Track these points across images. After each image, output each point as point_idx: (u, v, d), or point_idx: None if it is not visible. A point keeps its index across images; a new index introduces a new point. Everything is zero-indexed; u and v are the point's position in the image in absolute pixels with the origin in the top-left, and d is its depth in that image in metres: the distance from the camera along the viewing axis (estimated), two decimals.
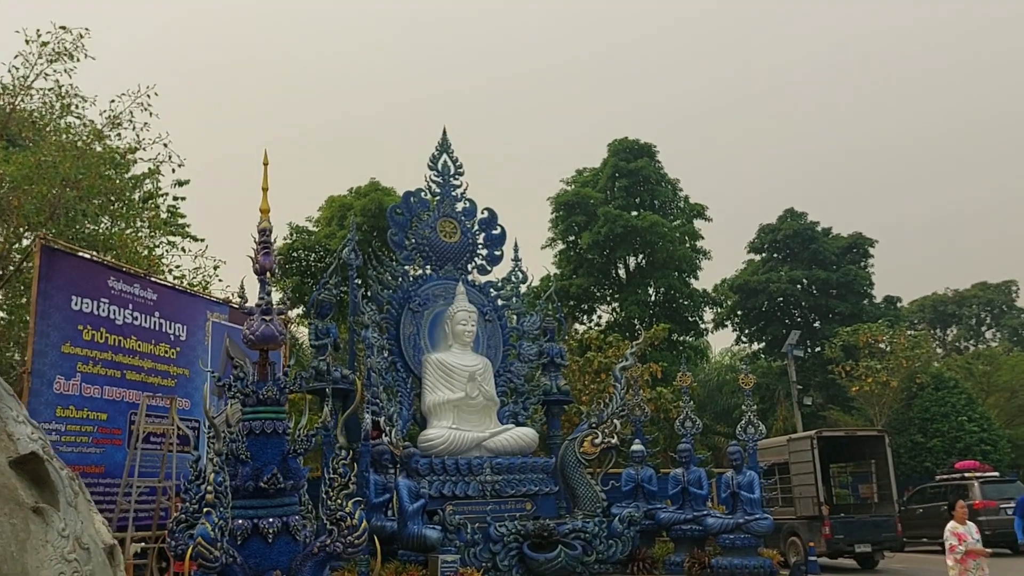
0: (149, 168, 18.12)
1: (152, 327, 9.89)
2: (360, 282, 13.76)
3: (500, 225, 15.37)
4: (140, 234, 17.90)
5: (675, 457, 13.30)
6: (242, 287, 5.59)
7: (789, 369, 27.27)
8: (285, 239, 20.63)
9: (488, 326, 14.51)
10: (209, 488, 4.53)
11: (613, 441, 13.00)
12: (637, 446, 13.46)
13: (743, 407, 12.66)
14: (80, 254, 9.62)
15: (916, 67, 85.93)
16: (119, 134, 12.74)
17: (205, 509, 4.58)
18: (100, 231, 11.39)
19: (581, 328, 24.57)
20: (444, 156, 15.20)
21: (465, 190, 15.14)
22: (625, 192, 30.01)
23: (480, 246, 15.03)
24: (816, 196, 74.02)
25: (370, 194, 19.81)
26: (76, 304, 9.16)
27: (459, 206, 14.98)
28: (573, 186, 31.18)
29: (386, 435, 10.55)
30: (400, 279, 13.74)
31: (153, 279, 9.95)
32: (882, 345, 27.03)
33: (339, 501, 4.82)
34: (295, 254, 19.86)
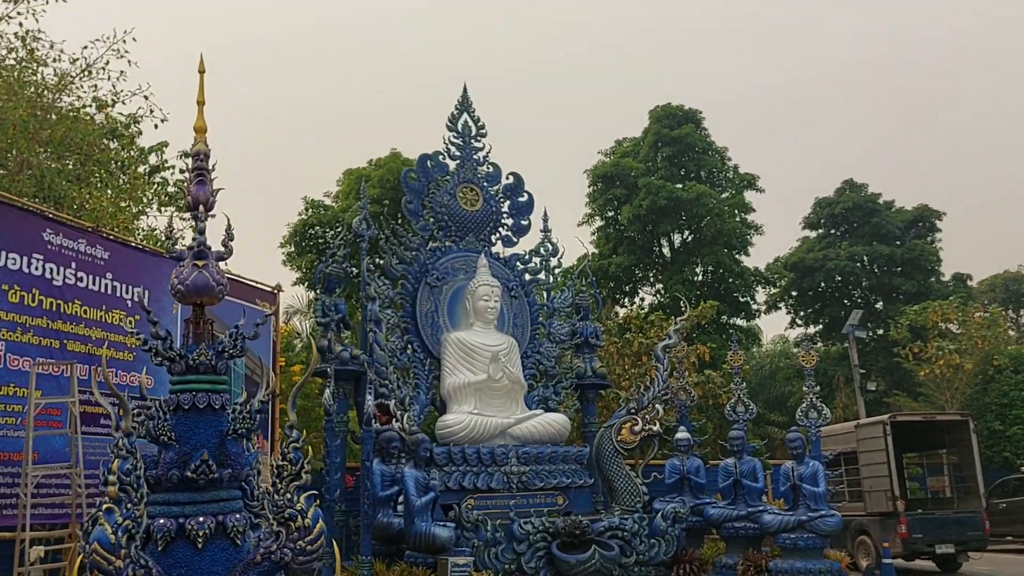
0: (158, 143, 17.52)
1: (102, 290, 8.73)
2: (372, 256, 12.87)
3: (527, 192, 14.35)
4: (147, 211, 17.27)
5: (726, 446, 12.19)
6: (170, 225, 4.64)
7: (851, 352, 25.80)
8: (300, 215, 19.90)
9: (514, 303, 13.53)
10: (112, 479, 3.60)
11: (655, 428, 11.95)
12: (682, 433, 12.37)
13: (804, 388, 11.50)
14: (4, 199, 8.49)
15: (989, 40, 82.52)
16: (95, 85, 11.95)
17: (104, 506, 3.65)
18: (93, 202, 10.61)
19: (622, 311, 23.40)
20: (464, 115, 14.21)
21: (488, 153, 14.16)
22: (668, 162, 28.71)
23: (505, 215, 14.04)
24: (877, 167, 71.49)
25: (389, 165, 18.93)
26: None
27: (481, 171, 14.00)
28: (612, 157, 29.93)
29: (396, 420, 9.62)
30: (416, 251, 12.80)
31: (104, 234, 8.86)
32: (952, 326, 25.45)
33: (289, 495, 3.85)
34: (311, 230, 19.11)
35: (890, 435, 12.24)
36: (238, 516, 3.91)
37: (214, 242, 4.36)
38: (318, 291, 11.72)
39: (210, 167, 4.37)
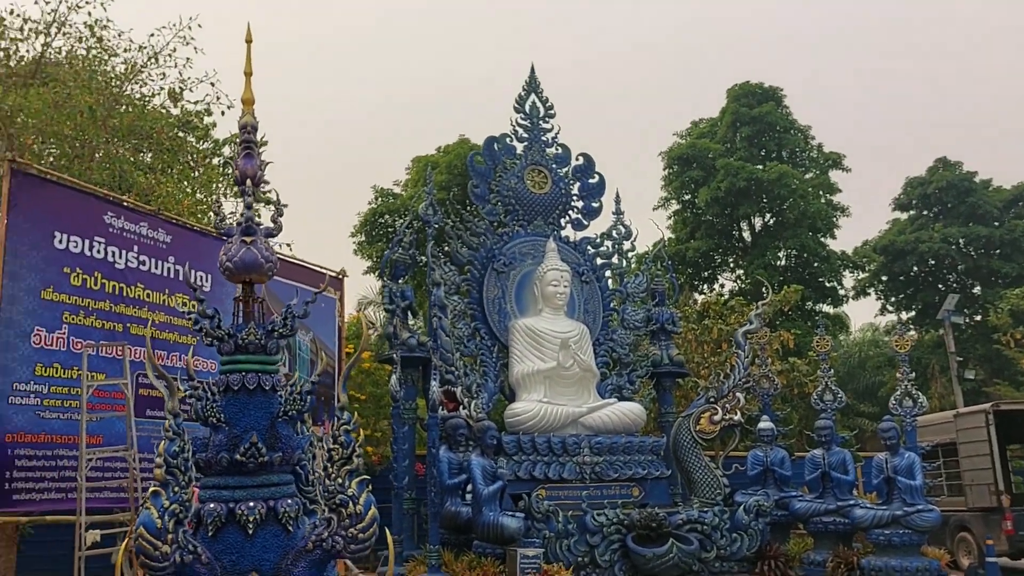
0: (230, 135, 17.82)
1: (165, 273, 8.78)
2: (439, 243, 12.79)
3: (598, 173, 14.03)
4: (221, 200, 17.59)
5: (812, 437, 11.67)
6: (218, 202, 4.52)
7: (946, 339, 24.64)
8: (369, 203, 19.99)
9: (585, 288, 13.26)
10: (159, 461, 3.51)
11: (736, 418, 11.52)
12: (765, 423, 11.90)
13: (898, 375, 10.89)
14: (65, 182, 8.48)
15: None
16: (163, 73, 12.12)
17: (151, 490, 3.56)
18: (162, 190, 10.79)
19: (700, 298, 22.80)
20: (532, 96, 13.98)
21: (557, 134, 13.90)
22: (748, 142, 27.87)
23: (574, 197, 13.77)
24: (973, 144, 68.10)
25: (456, 151, 18.83)
26: (60, 242, 8.00)
27: (550, 152, 13.75)
28: (688, 139, 29.24)
29: (464, 407, 9.50)
30: (483, 236, 12.65)
31: (166, 217, 8.93)
32: None
33: (340, 480, 3.70)
34: (381, 219, 19.19)
35: (993, 425, 11.51)
36: (290, 501, 3.78)
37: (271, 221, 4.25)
38: (385, 278, 11.67)
39: (258, 140, 4.24)
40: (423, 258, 11.78)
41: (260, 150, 4.24)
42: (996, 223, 32.36)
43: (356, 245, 19.59)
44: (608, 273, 13.83)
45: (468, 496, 8.89)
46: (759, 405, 13.02)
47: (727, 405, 11.53)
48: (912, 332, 32.51)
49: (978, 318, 32.06)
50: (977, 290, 33.00)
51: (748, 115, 27.63)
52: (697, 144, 28.00)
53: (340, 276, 10.34)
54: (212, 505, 3.68)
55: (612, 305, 13.61)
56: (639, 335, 13.59)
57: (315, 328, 10.09)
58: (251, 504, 3.67)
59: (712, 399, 11.59)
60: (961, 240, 32.34)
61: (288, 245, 12.19)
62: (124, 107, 10.38)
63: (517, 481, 10.18)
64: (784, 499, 11.17)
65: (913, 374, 10.82)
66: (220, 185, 17.62)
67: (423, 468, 11.14)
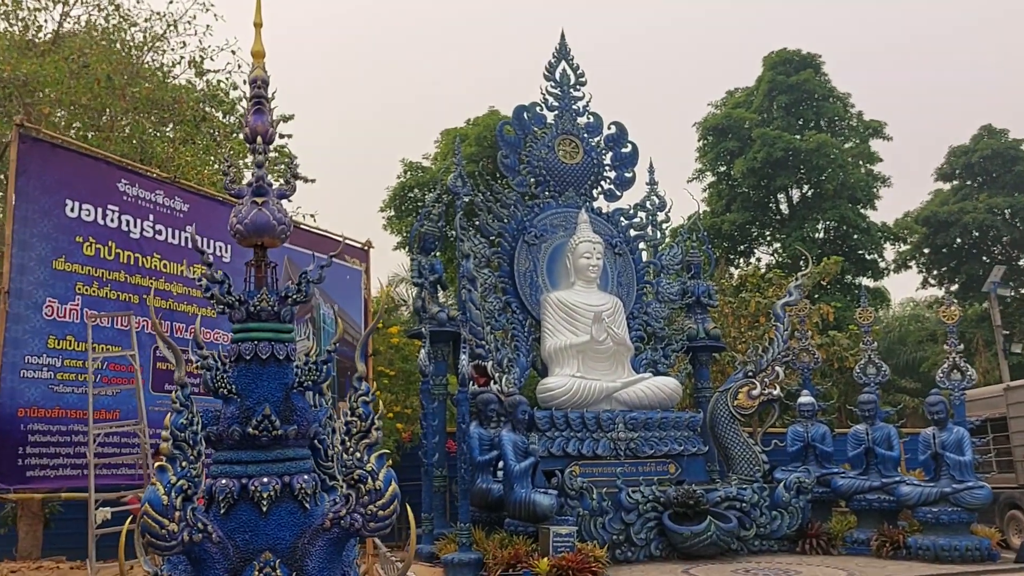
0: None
1: (182, 243, 8.51)
2: (469, 217, 12.56)
3: (631, 142, 13.70)
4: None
5: (854, 411, 11.29)
6: (228, 163, 4.28)
7: (992, 311, 23.87)
8: (399, 177, 19.75)
9: (618, 260, 12.98)
10: (165, 435, 3.30)
11: (775, 392, 11.21)
12: (805, 398, 11.55)
13: (946, 347, 10.47)
14: (76, 147, 8.17)
15: None
16: (183, 42, 11.90)
17: (156, 464, 3.36)
18: (182, 159, 10.57)
19: (736, 272, 22.32)
20: (563, 64, 13.67)
21: (588, 102, 13.58)
22: (785, 111, 27.13)
23: (607, 167, 13.46)
24: (1019, 111, 66.09)
25: (486, 122, 18.51)
26: (72, 210, 7.74)
27: (581, 121, 13.45)
28: (723, 109, 28.56)
29: (494, 382, 9.29)
30: (513, 207, 12.40)
31: (183, 185, 8.69)
32: None
33: (359, 455, 3.47)
34: (410, 193, 18.97)
35: None
36: (306, 477, 3.56)
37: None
38: (414, 251, 11.48)
39: (269, 95, 4.00)
40: (452, 231, 11.57)
41: (272, 106, 3.98)
42: None
43: (385, 220, 19.42)
44: (642, 245, 13.54)
45: (499, 473, 8.70)
46: (799, 379, 12.66)
47: (766, 379, 11.23)
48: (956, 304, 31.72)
49: None
50: (1023, 262, 32.03)
51: (785, 83, 26.87)
52: (733, 114, 27.32)
53: (365, 247, 10.11)
54: (224, 481, 3.47)
55: (646, 278, 13.31)
56: (674, 308, 13.29)
57: (340, 301, 9.87)
58: (265, 480, 3.47)
59: (750, 373, 11.28)
60: (1007, 210, 31.33)
61: (312, 216, 12.05)
62: (144, 78, 10.17)
63: (550, 457, 10.01)
64: (826, 476, 10.84)
65: (961, 346, 10.39)
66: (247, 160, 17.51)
67: (454, 445, 11.01)
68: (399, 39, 75.79)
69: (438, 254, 11.72)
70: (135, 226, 8.08)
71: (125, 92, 9.30)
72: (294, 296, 3.74)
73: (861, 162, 26.77)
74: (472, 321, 9.33)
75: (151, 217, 7.89)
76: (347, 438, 3.54)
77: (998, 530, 10.57)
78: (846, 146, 26.98)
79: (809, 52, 27.82)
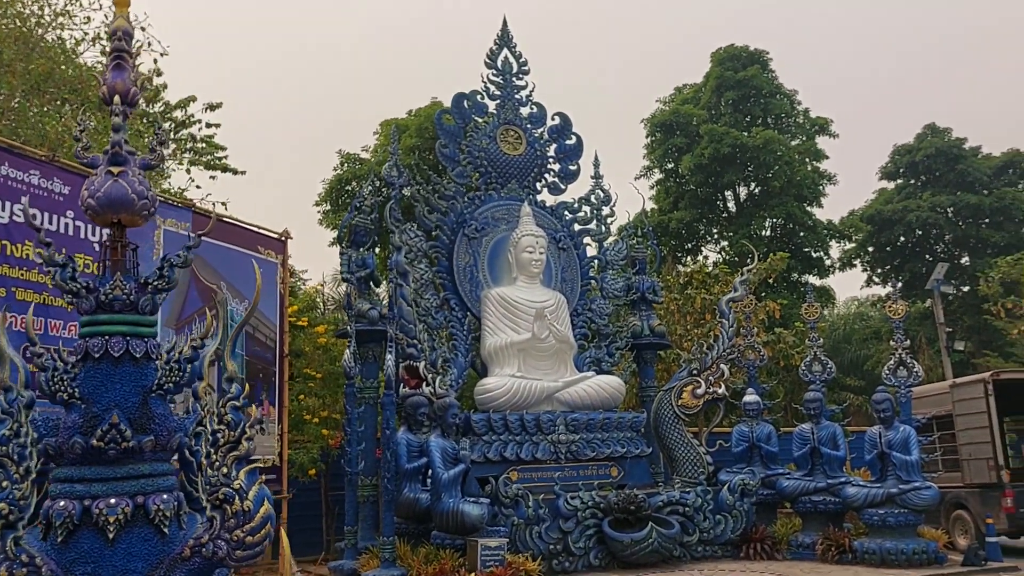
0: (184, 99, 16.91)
1: (63, 231, 7.58)
2: (407, 210, 12.02)
3: (575, 134, 13.31)
4: (173, 169, 16.77)
5: (800, 410, 11.05)
6: (80, 126, 3.70)
7: (935, 309, 24.12)
8: (335, 169, 19.06)
9: (562, 255, 12.57)
10: None
11: (720, 391, 10.92)
12: (751, 396, 11.28)
13: (891, 343, 10.28)
14: None
15: None
16: (88, 17, 11.10)
17: None
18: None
19: (684, 270, 22.12)
20: (505, 51, 13.21)
21: (531, 92, 13.14)
22: (733, 107, 27.07)
23: (551, 160, 13.05)
24: (961, 110, 67.56)
25: (428, 113, 17.96)
26: None
27: (524, 111, 13.01)
28: (671, 105, 28.41)
29: (428, 384, 8.76)
30: (452, 199, 11.90)
31: (63, 164, 7.81)
32: None
33: (225, 470, 2.95)
34: (347, 186, 18.31)
35: (992, 395, 10.91)
36: (165, 497, 3.03)
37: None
38: (344, 245, 10.91)
39: (133, 50, 3.44)
40: (389, 225, 11.03)
41: (136, 62, 3.42)
42: (985, 191, 31.83)
43: (321, 214, 18.72)
44: (587, 240, 13.17)
45: (429, 482, 8.19)
46: (744, 377, 12.40)
47: (711, 378, 10.93)
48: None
49: (966, 289, 31.62)
50: (965, 260, 32.53)
51: (733, 79, 26.79)
52: (680, 110, 27.16)
53: (282, 237, 9.48)
54: (63, 503, 2.93)
55: (590, 274, 12.96)
56: (619, 305, 12.95)
57: (251, 295, 9.19)
58: (112, 501, 2.94)
59: (695, 371, 10.97)
60: (950, 209, 31.78)
61: (223, 204, 11.32)
62: (46, 55, 9.37)
63: (487, 463, 9.58)
64: (771, 477, 10.58)
65: (907, 342, 10.20)
66: (177, 153, 16.75)
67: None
68: (344, 28, 74.65)
69: (376, 249, 11.19)
70: (3, 210, 7.11)
71: (14, 68, 8.52)
72: (155, 283, 3.19)
73: (807, 159, 26.83)
74: (403, 318, 8.80)
75: (23, 200, 7.09)
76: (213, 450, 3.01)
77: (944, 531, 10.42)
78: (793, 143, 27.02)
79: (756, 48, 27.84)
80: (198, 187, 15.45)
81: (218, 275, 8.40)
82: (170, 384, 3.15)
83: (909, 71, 76.94)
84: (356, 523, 8.50)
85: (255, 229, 8.88)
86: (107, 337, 3.10)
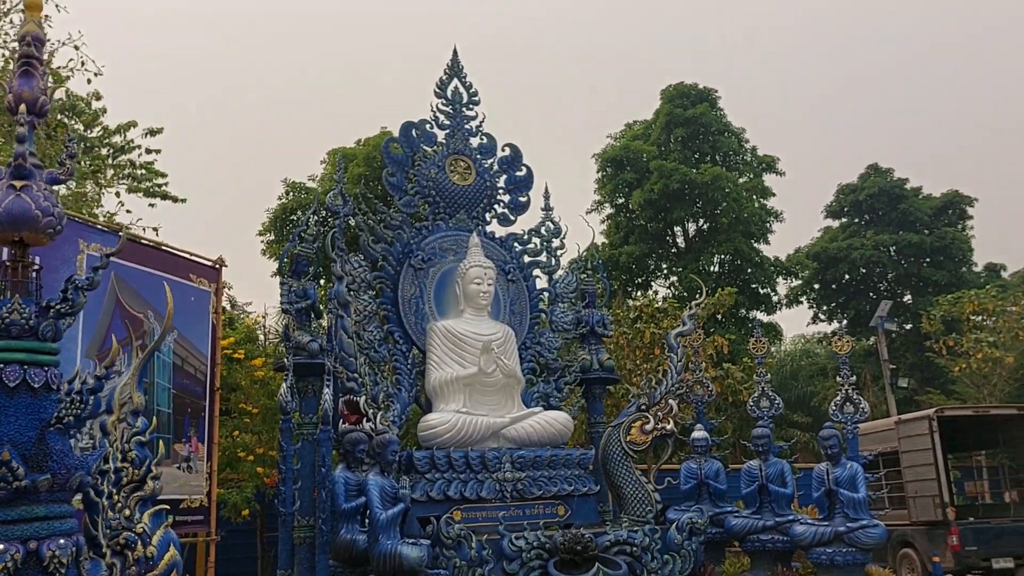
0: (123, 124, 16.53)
1: None
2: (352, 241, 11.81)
3: (525, 165, 13.21)
4: (106, 192, 16.33)
5: (748, 447, 11.00)
6: None
7: (879, 346, 24.58)
8: (280, 198, 18.76)
9: (511, 287, 12.39)
10: None
11: (668, 427, 10.75)
12: (699, 432, 11.20)
13: (838, 379, 10.30)
14: None
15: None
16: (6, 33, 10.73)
17: None
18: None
19: (633, 304, 22.22)
20: (455, 81, 13.08)
21: (482, 122, 13.02)
22: (682, 144, 27.54)
23: (500, 191, 12.89)
24: (903, 151, 69.84)
25: (377, 143, 17.83)
26: None
27: (474, 142, 12.85)
28: (622, 141, 28.75)
29: (368, 420, 8.46)
30: (398, 229, 11.68)
31: None
32: (986, 319, 24.15)
33: (128, 512, 2.69)
34: (292, 216, 18.04)
35: (937, 432, 11.00)
36: (62, 542, 2.76)
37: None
38: (284, 275, 10.62)
39: (44, 57, 3.22)
40: (341, 254, 10.79)
41: (44, 71, 3.19)
42: (926, 231, 32.77)
43: (265, 244, 18.35)
44: (536, 272, 13.05)
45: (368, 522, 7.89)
46: (693, 413, 12.33)
47: (659, 413, 10.77)
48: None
49: (908, 327, 32.35)
50: (908, 299, 33.34)
51: (682, 116, 27.28)
52: (631, 146, 27.53)
53: (216, 265, 9.15)
54: None
55: (540, 306, 12.81)
56: (568, 338, 12.82)
57: (181, 326, 8.81)
58: (0, 547, 2.65)
59: (643, 407, 10.81)
60: (892, 248, 32.63)
61: (155, 229, 10.92)
62: None
63: (430, 502, 9.28)
64: (719, 515, 10.47)
65: (854, 378, 10.25)
66: (109, 177, 16.29)
67: None
68: (289, 53, 74.35)
69: (316, 279, 10.91)
70: None
71: None
72: (58, 306, 2.94)
73: (755, 196, 27.33)
74: (343, 351, 8.52)
75: None
76: (115, 490, 2.75)
77: (892, 570, 10.42)
78: (741, 180, 27.52)
79: (706, 87, 28.39)
80: (128, 211, 15.00)
81: (145, 303, 8.06)
82: (71, 417, 2.89)
83: (853, 112, 79.39)
84: (291, 567, 8.13)
85: (187, 256, 8.55)
86: (2, 365, 2.84)
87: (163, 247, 8.51)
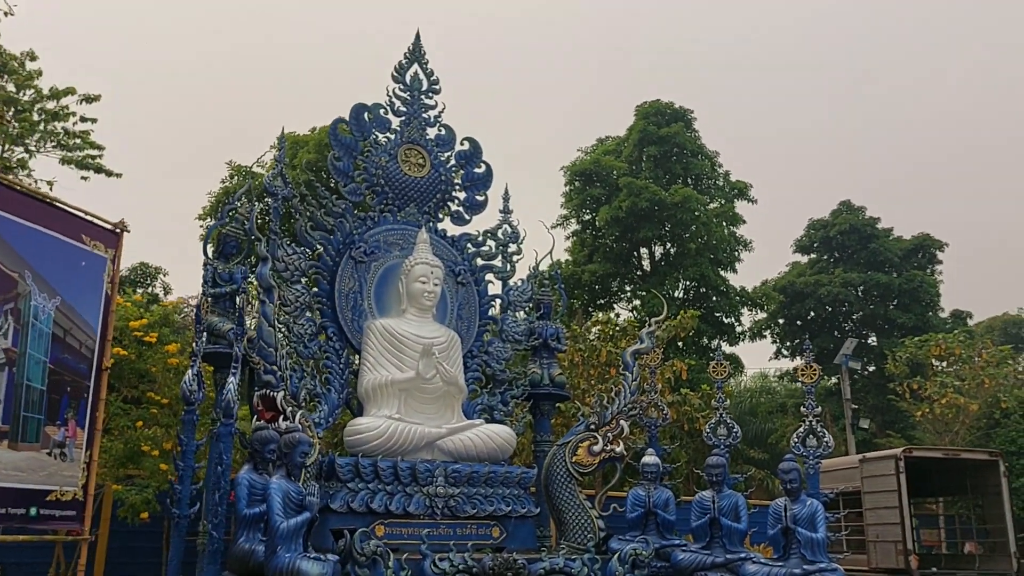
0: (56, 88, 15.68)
1: None
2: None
3: (484, 162, 12.65)
4: (34, 160, 15.49)
5: (702, 477, 10.42)
6: None
7: (843, 384, 24.34)
8: (223, 182, 17.95)
9: (460, 291, 11.77)
10: None
11: (618, 449, 10.17)
12: (650, 457, 10.63)
13: (802, 409, 9.81)
14: None
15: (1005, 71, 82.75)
16: None
17: None
18: None
19: (591, 321, 21.70)
20: (415, 66, 12.51)
21: (441, 113, 12.42)
22: (654, 163, 27.23)
23: (456, 187, 12.32)
24: (875, 191, 70.74)
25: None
26: None
27: (431, 132, 12.27)
28: (592, 154, 28.36)
29: (286, 418, 7.75)
30: (341, 217, 11.01)
31: None
32: (947, 365, 24.04)
33: None
34: (238, 202, 17.20)
35: (904, 473, 10.53)
36: None
37: None
38: (210, 255, 9.91)
39: None
40: (274, 237, 10.08)
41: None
42: (895, 272, 32.80)
43: (205, 229, 17.52)
44: (489, 277, 12.43)
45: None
46: (645, 437, 11.75)
47: (609, 434, 10.16)
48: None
49: (871, 368, 32.27)
50: (872, 340, 33.30)
51: (656, 134, 26.96)
52: (601, 160, 27.12)
53: (117, 229, 8.28)
54: None
55: (490, 313, 12.18)
56: (519, 350, 12.21)
57: (67, 293, 7.84)
58: None
59: (592, 426, 10.19)
60: (860, 287, 32.61)
61: (49, 183, 10.09)
62: None
63: (349, 514, 8.60)
64: (666, 548, 9.86)
65: (819, 408, 9.74)
66: (38, 141, 15.46)
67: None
68: (247, 40, 73.42)
69: (240, 260, 10.21)
70: None
71: None
72: None
73: (725, 222, 27.05)
74: (262, 340, 7.81)
75: None
76: None
77: None
78: (711, 205, 27.24)
79: (681, 106, 28.15)
80: (49, 182, 14.20)
81: (22, 262, 7.23)
82: None
83: (828, 147, 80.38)
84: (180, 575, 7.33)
85: (81, 215, 7.76)
86: None
87: (53, 202, 7.69)
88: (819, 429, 9.58)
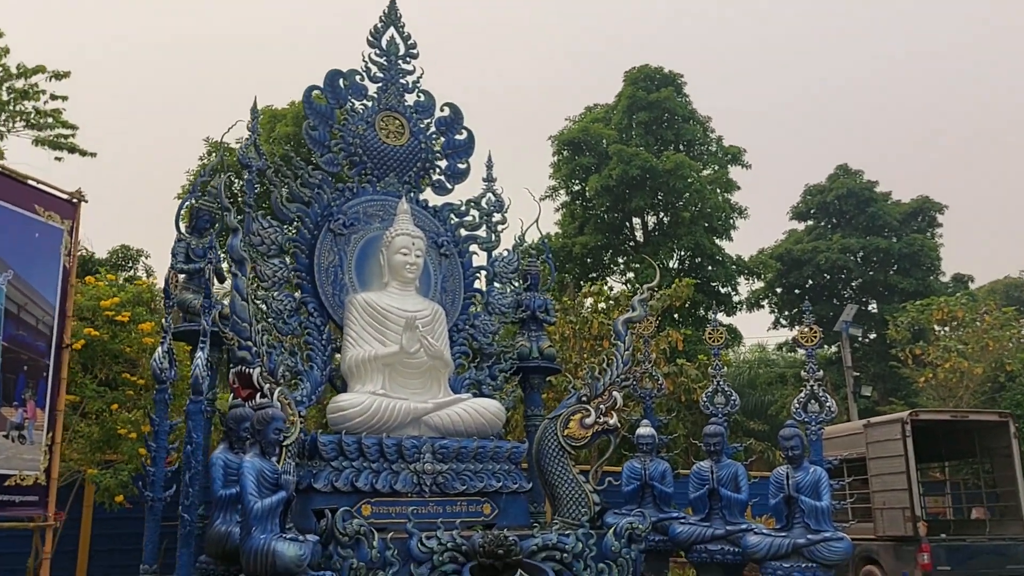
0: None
1: None
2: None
3: (466, 128, 12.36)
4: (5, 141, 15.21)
5: (700, 447, 10.28)
6: None
7: (844, 351, 24.23)
8: (201, 159, 17.65)
9: (444, 262, 11.55)
10: None
11: (611, 421, 9.99)
12: (645, 429, 10.47)
13: (803, 373, 9.64)
14: None
15: (1002, 35, 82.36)
16: None
17: None
18: None
19: (583, 293, 21.52)
20: (391, 30, 12.20)
21: (420, 78, 12.13)
22: (644, 129, 26.92)
23: (437, 155, 12.04)
24: (874, 155, 70.61)
25: None
26: None
27: (409, 99, 11.96)
28: (581, 123, 28.02)
29: (264, 395, 7.53)
30: (318, 188, 10.77)
31: None
32: (950, 329, 23.94)
33: None
34: (210, 175, 16.97)
35: (910, 437, 10.38)
36: None
37: None
38: (181, 230, 9.68)
39: None
40: (248, 210, 9.85)
41: None
42: (895, 236, 32.66)
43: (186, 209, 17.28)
44: (473, 248, 12.21)
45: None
46: (640, 409, 11.58)
47: (602, 406, 9.98)
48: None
49: (872, 336, 32.20)
50: (873, 307, 33.22)
51: (645, 100, 26.62)
52: (590, 128, 26.79)
53: (74, 199, 7.99)
54: None
55: (475, 285, 11.97)
56: (506, 322, 12.02)
57: (20, 267, 7.54)
58: None
59: (584, 399, 10.02)
60: (859, 253, 32.48)
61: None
62: None
63: (335, 494, 8.39)
64: (663, 521, 9.75)
65: (820, 372, 9.57)
66: (9, 121, 15.21)
67: None
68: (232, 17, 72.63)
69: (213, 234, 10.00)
70: None
71: None
72: None
73: (719, 189, 26.81)
74: (236, 315, 7.59)
75: None
76: None
77: None
78: (704, 172, 26.98)
79: (671, 71, 27.81)
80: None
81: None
82: None
83: (824, 110, 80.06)
84: (156, 561, 7.14)
85: (34, 184, 7.47)
86: None
87: (9, 173, 7.40)
88: (821, 394, 9.43)
